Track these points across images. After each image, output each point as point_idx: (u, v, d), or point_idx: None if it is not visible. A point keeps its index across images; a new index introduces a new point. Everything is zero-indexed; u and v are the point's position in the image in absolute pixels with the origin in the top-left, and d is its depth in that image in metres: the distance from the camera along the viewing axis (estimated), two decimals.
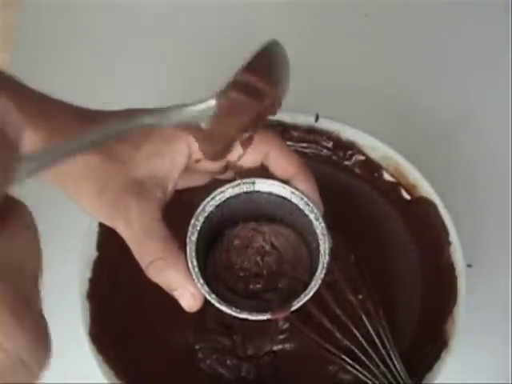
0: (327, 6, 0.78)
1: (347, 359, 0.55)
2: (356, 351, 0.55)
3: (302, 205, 0.47)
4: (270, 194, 0.47)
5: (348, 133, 0.64)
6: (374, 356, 0.54)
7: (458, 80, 0.76)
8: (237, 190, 0.47)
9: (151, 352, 0.58)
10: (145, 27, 0.80)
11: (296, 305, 0.45)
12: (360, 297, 0.56)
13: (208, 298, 0.44)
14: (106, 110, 0.48)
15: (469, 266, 0.59)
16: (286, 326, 0.56)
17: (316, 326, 0.56)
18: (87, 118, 0.47)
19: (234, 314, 0.45)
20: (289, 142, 0.65)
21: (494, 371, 0.61)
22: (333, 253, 0.46)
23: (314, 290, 0.45)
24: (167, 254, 0.44)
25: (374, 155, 0.63)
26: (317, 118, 0.63)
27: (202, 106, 0.42)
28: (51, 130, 0.45)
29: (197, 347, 0.57)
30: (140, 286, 0.60)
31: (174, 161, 0.45)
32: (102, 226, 0.60)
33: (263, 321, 0.46)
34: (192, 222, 0.46)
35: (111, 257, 0.60)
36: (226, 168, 0.48)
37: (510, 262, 0.65)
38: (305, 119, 0.63)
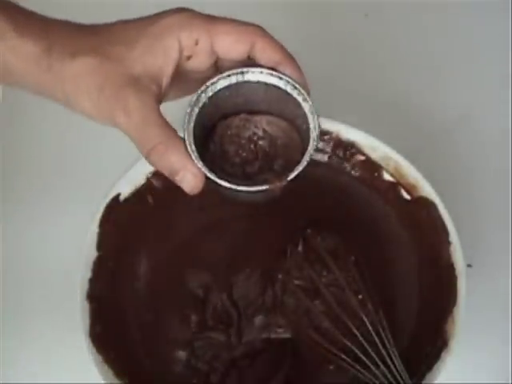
0: (327, 6, 0.78)
1: (347, 359, 0.55)
2: (356, 351, 0.55)
3: (289, 89, 0.48)
4: (258, 82, 0.49)
5: (348, 133, 0.64)
6: (374, 356, 0.54)
7: (458, 80, 0.76)
8: (227, 81, 0.49)
9: (151, 352, 0.58)
10: None
11: (291, 174, 0.46)
12: (360, 297, 0.56)
13: (208, 175, 0.46)
14: (103, 23, 0.50)
15: (469, 266, 0.59)
16: (283, 322, 0.57)
17: (316, 325, 0.56)
18: (87, 30, 0.50)
19: (233, 187, 0.46)
20: None
21: (494, 371, 0.61)
22: (319, 137, 0.48)
23: (308, 159, 0.47)
24: (167, 139, 0.46)
25: (374, 155, 0.63)
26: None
27: None
28: (51, 40, 0.48)
29: (195, 346, 0.57)
30: (139, 287, 0.60)
31: (167, 56, 0.48)
32: (102, 226, 0.60)
33: (261, 191, 0.47)
34: (188, 110, 0.48)
35: (111, 257, 0.60)
36: (216, 67, 0.50)
37: (510, 262, 0.65)
38: None
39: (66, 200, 0.70)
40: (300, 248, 0.59)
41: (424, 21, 0.79)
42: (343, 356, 0.55)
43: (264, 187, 0.46)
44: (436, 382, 0.54)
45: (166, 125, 0.46)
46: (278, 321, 0.57)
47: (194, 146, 0.46)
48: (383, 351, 0.54)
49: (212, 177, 0.46)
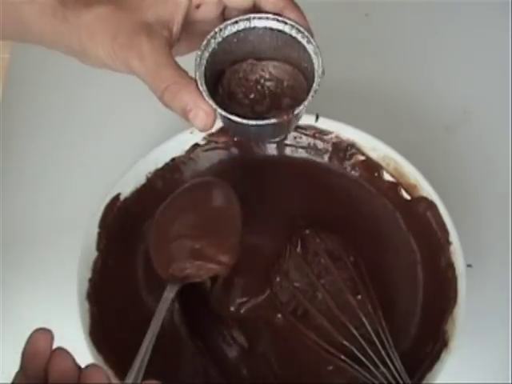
0: (327, 6, 0.78)
1: (347, 360, 0.55)
2: (355, 352, 0.55)
3: (294, 33, 0.50)
4: (265, 28, 0.50)
5: (348, 133, 0.64)
6: (374, 356, 0.54)
7: (458, 80, 0.76)
8: (235, 28, 0.50)
9: (151, 352, 0.58)
10: None
11: (298, 109, 0.48)
12: (359, 297, 0.56)
13: (220, 111, 0.47)
14: None
15: (469, 266, 0.59)
16: (282, 321, 0.57)
17: (315, 326, 0.56)
18: None
19: (244, 122, 0.47)
20: (289, 142, 0.65)
21: (494, 371, 0.61)
22: (324, 72, 0.49)
23: (313, 94, 0.48)
24: (179, 79, 0.48)
25: (374, 155, 0.63)
26: (317, 118, 0.64)
27: None
28: None
29: (194, 344, 0.57)
30: (139, 287, 0.60)
31: (177, 4, 0.49)
32: (102, 226, 0.60)
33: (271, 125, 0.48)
34: (199, 53, 0.49)
35: (111, 257, 0.60)
36: (224, 19, 0.51)
37: (510, 262, 0.65)
38: (305, 119, 0.63)
39: (66, 200, 0.70)
40: (299, 249, 0.59)
41: (424, 21, 0.79)
42: (342, 357, 0.55)
43: (273, 120, 0.48)
44: (436, 382, 0.54)
45: (178, 66, 0.48)
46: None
47: (205, 86, 0.48)
48: (382, 352, 0.54)
49: (223, 113, 0.47)
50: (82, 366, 0.46)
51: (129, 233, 0.62)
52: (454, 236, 0.59)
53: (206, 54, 0.50)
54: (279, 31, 0.50)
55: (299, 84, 0.51)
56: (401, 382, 0.54)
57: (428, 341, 0.56)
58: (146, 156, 0.63)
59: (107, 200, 0.61)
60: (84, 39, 0.49)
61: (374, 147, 0.63)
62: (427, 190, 0.61)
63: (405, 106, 0.74)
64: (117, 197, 0.61)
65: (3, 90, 0.75)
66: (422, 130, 0.72)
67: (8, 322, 0.63)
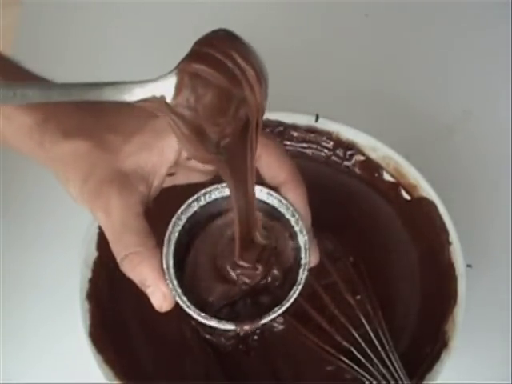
0: (327, 6, 0.78)
1: (346, 360, 0.55)
2: (355, 352, 0.55)
3: (288, 215, 0.46)
4: (257, 199, 0.46)
5: (348, 133, 0.64)
6: (373, 357, 0.54)
7: (458, 80, 0.76)
8: (223, 193, 0.47)
9: (151, 352, 0.58)
10: (145, 28, 0.80)
11: (265, 319, 0.44)
12: (358, 297, 0.56)
13: (178, 300, 0.44)
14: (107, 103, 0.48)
15: (469, 266, 0.59)
16: (281, 321, 0.57)
17: (314, 327, 0.56)
18: (88, 109, 0.47)
19: (202, 320, 0.44)
20: (289, 142, 0.65)
21: (494, 371, 0.61)
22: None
23: (286, 306, 0.44)
24: (143, 250, 0.43)
25: (374, 155, 0.63)
26: (317, 118, 0.64)
27: (164, 82, 0.41)
28: (47, 114, 0.46)
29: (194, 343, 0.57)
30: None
31: (162, 155, 0.45)
32: None
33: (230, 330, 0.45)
34: (173, 220, 0.46)
35: (111, 257, 0.60)
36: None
37: (510, 262, 0.65)
38: (305, 119, 0.63)
39: (65, 199, 0.69)
40: None
41: (424, 21, 0.79)
42: (342, 357, 0.55)
43: (232, 327, 0.44)
44: (436, 382, 0.54)
45: (146, 233, 0.44)
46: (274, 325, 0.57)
47: (171, 262, 0.44)
48: (382, 352, 0.54)
49: (181, 303, 0.44)
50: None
51: None
52: (453, 236, 0.59)
53: (183, 219, 0.45)
54: (274, 208, 0.46)
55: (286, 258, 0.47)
56: (400, 382, 0.54)
57: (428, 341, 0.56)
58: None
59: None
60: (58, 171, 0.46)
61: (374, 147, 0.63)
62: (427, 190, 0.61)
63: (405, 106, 0.74)
64: None
65: None
66: (422, 130, 0.72)
67: (8, 322, 0.63)
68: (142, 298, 0.59)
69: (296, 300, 0.45)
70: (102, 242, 0.60)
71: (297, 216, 0.46)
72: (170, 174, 0.48)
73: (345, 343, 0.55)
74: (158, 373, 0.57)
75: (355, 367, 0.54)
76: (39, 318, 0.64)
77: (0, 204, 0.68)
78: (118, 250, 0.44)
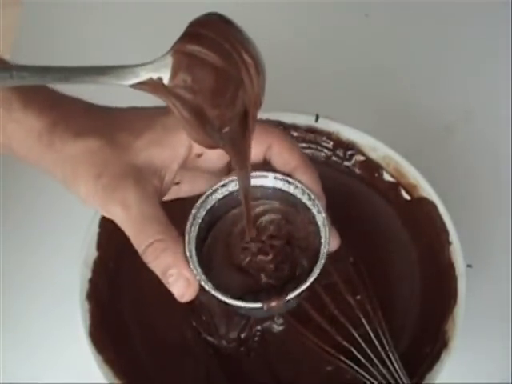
0: (327, 6, 0.78)
1: (346, 360, 0.55)
2: (355, 352, 0.55)
3: (305, 199, 0.47)
4: (274, 188, 0.47)
5: (348, 133, 0.64)
6: (373, 357, 0.54)
7: (458, 80, 0.76)
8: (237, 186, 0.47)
9: (151, 352, 0.58)
10: (145, 28, 0.80)
11: (291, 294, 0.45)
12: (358, 298, 0.56)
13: (203, 284, 0.44)
14: (113, 106, 0.48)
15: (469, 266, 0.59)
16: (281, 321, 0.57)
17: (315, 327, 0.56)
18: (96, 111, 0.47)
19: (227, 301, 0.44)
20: None
21: (494, 371, 0.61)
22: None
23: (311, 280, 0.45)
24: (167, 237, 0.44)
25: (374, 155, 0.63)
26: (317, 118, 0.64)
27: (159, 63, 0.41)
28: (56, 117, 0.46)
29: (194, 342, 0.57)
30: (140, 287, 0.60)
31: (174, 151, 0.45)
32: (102, 226, 0.60)
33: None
34: (193, 212, 0.46)
35: (111, 257, 0.60)
36: (229, 167, 0.48)
37: (510, 263, 0.65)
38: (305, 119, 0.63)
39: (66, 199, 0.69)
40: None
41: (424, 21, 0.79)
42: (342, 357, 0.55)
43: (259, 305, 0.44)
44: (436, 382, 0.54)
45: (167, 222, 0.44)
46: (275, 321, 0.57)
47: (194, 251, 0.44)
48: (382, 352, 0.54)
49: (207, 287, 0.44)
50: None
51: None
52: (453, 236, 0.59)
53: (202, 212, 0.46)
54: (288, 193, 0.47)
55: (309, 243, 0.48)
56: (400, 382, 0.54)
57: (428, 341, 0.56)
58: None
59: None
60: (67, 172, 0.46)
61: (374, 147, 0.63)
62: (427, 190, 0.61)
63: (405, 106, 0.74)
64: None
65: None
66: (422, 129, 0.72)
67: (8, 322, 0.63)
68: (142, 299, 0.60)
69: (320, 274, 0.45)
70: (102, 242, 0.60)
71: (313, 197, 0.47)
72: (176, 183, 0.48)
73: (345, 343, 0.55)
74: (158, 373, 0.57)
75: (355, 367, 0.54)
76: (39, 318, 0.64)
77: (0, 204, 0.68)
78: (139, 241, 0.44)
